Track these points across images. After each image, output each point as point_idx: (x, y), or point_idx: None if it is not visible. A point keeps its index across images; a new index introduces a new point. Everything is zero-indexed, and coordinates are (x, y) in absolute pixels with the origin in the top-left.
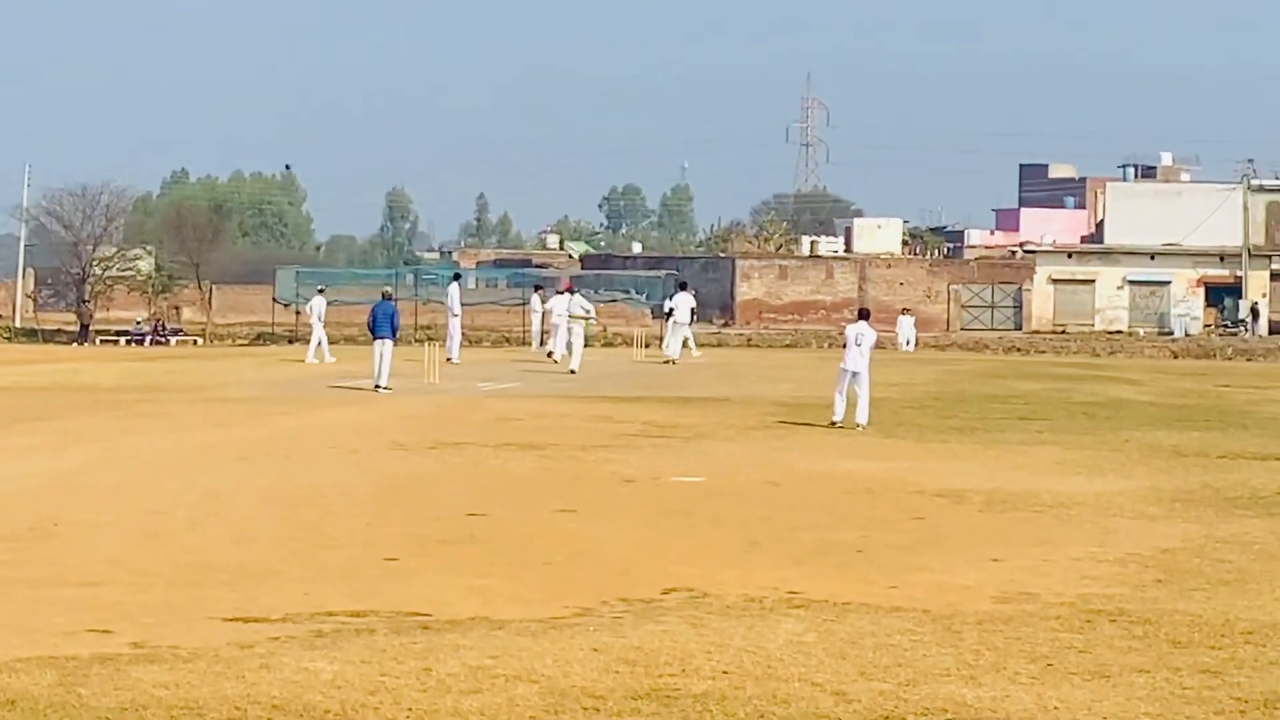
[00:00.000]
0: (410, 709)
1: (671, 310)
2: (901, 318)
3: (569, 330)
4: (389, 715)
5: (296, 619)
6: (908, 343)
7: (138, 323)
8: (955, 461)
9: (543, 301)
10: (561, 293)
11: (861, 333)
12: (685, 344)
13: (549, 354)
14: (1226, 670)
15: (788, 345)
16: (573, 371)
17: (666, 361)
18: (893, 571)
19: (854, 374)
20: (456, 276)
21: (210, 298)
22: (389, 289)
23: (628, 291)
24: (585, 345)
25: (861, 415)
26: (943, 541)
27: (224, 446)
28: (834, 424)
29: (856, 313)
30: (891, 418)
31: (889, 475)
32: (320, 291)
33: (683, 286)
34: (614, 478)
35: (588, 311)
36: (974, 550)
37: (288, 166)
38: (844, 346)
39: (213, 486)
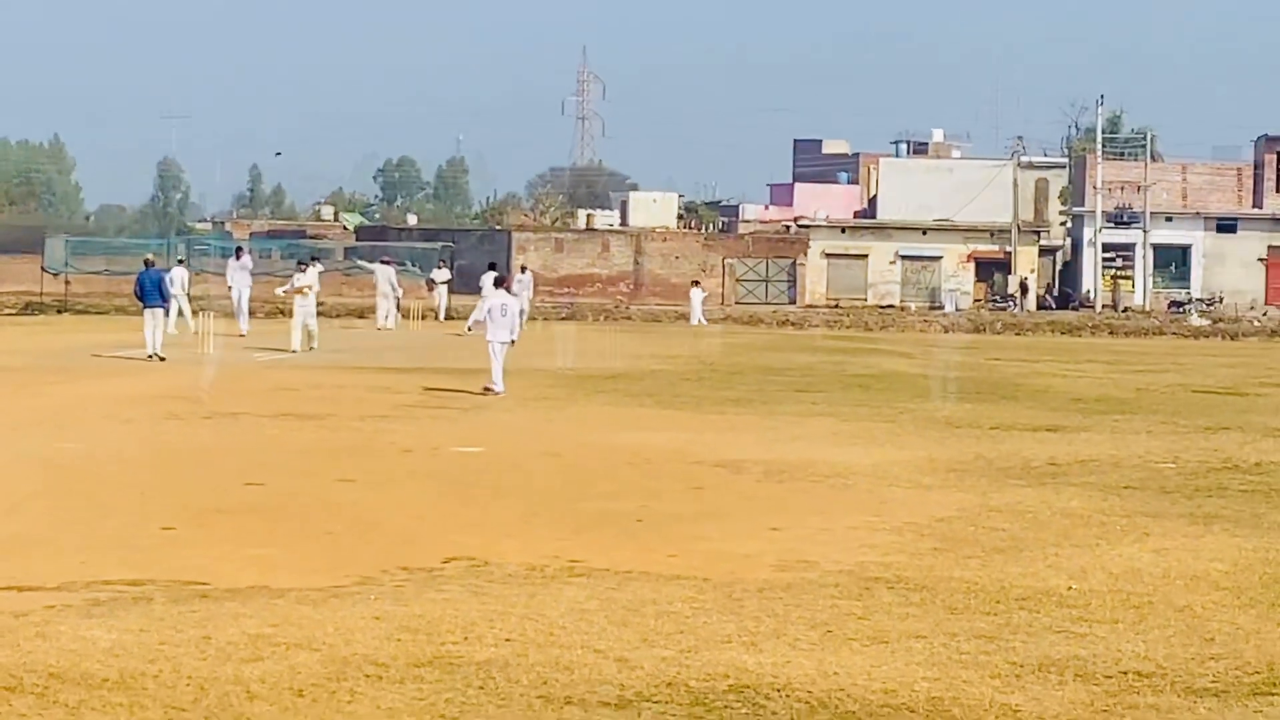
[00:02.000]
0: (190, 677)
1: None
2: (694, 290)
3: (300, 307)
4: (168, 683)
5: (72, 588)
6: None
7: None
8: (733, 433)
9: (319, 274)
10: (386, 263)
11: (506, 302)
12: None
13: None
14: (1001, 635)
15: (564, 318)
16: (294, 351)
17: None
18: (673, 540)
19: (511, 343)
20: (238, 251)
21: None
22: (151, 256)
23: (404, 264)
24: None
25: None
26: (722, 511)
27: None
28: (490, 391)
29: (494, 282)
30: (669, 389)
31: (668, 446)
32: (180, 262)
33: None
34: (393, 448)
35: (309, 286)
36: (753, 520)
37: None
38: (488, 318)
39: None
